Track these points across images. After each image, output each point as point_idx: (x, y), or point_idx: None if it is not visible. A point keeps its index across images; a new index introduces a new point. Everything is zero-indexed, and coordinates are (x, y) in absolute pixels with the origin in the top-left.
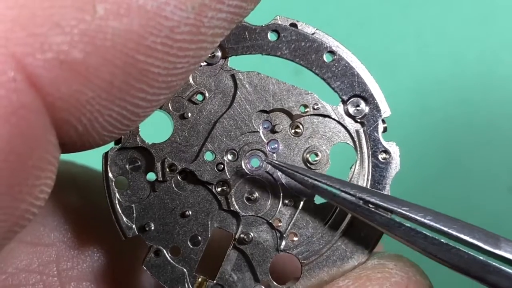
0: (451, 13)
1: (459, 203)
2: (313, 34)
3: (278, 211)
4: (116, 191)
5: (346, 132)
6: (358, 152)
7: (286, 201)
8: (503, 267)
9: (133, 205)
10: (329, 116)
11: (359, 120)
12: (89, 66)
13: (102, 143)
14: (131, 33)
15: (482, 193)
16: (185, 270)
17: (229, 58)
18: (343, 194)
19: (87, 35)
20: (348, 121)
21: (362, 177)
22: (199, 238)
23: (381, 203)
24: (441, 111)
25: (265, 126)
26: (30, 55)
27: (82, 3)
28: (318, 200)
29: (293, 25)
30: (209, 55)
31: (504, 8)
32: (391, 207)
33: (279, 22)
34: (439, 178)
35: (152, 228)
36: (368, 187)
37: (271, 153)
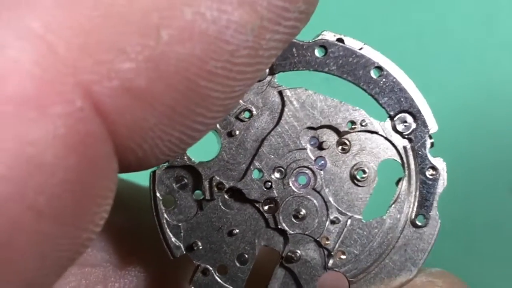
0: (451, 13)
1: (459, 204)
2: (360, 49)
3: (325, 229)
4: (163, 210)
5: (393, 149)
6: (406, 169)
7: (334, 219)
8: None
9: (180, 224)
10: (376, 133)
11: (406, 136)
12: (153, 92)
13: (156, 165)
14: (193, 58)
15: (482, 194)
16: None
17: (276, 74)
18: None
19: (151, 61)
20: (396, 137)
21: (410, 194)
22: (246, 256)
23: None
24: (441, 111)
25: (312, 143)
26: (97, 83)
27: (146, 29)
28: (366, 217)
29: (340, 40)
30: None
31: (504, 8)
32: None
33: (327, 38)
34: None
35: (200, 247)
36: (416, 203)
37: (318, 170)
